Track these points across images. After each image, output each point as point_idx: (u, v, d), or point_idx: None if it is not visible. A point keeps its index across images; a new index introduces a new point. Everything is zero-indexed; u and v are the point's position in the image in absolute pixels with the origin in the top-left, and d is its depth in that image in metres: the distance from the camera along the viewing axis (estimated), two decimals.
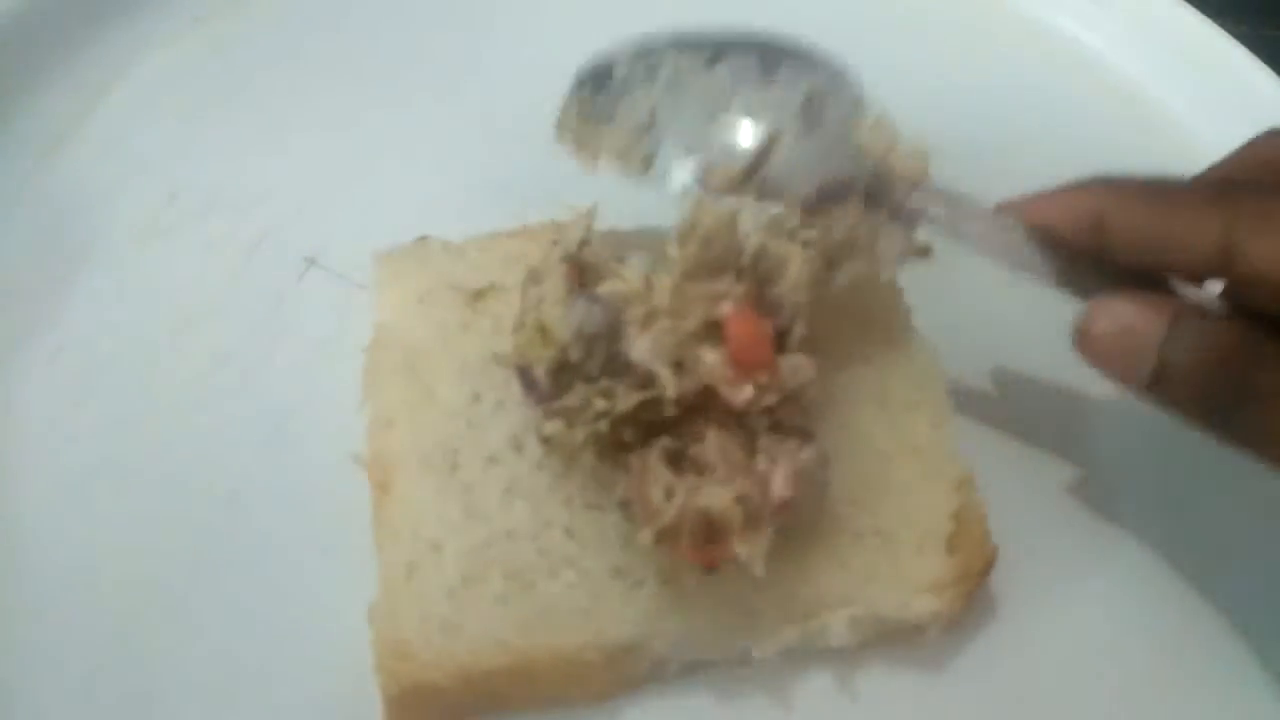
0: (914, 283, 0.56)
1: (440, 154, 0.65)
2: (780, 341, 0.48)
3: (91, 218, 0.62)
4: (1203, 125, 0.70)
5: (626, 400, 0.46)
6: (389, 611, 0.46)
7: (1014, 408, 0.58)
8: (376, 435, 0.51)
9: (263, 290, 0.60)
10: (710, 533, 0.45)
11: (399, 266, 0.56)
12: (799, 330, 0.49)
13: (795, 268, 0.49)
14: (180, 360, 0.57)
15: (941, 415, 0.53)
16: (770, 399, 0.47)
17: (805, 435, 0.48)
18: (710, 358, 0.47)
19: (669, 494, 0.45)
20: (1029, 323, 0.62)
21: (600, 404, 0.46)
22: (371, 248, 0.58)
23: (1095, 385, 0.59)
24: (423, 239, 0.57)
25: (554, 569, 0.47)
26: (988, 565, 0.50)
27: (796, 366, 0.48)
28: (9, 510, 0.52)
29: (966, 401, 0.56)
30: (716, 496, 0.45)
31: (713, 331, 0.47)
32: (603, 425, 0.46)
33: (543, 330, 0.48)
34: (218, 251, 0.61)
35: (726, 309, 0.47)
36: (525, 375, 0.49)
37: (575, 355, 0.47)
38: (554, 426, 0.47)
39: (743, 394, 0.46)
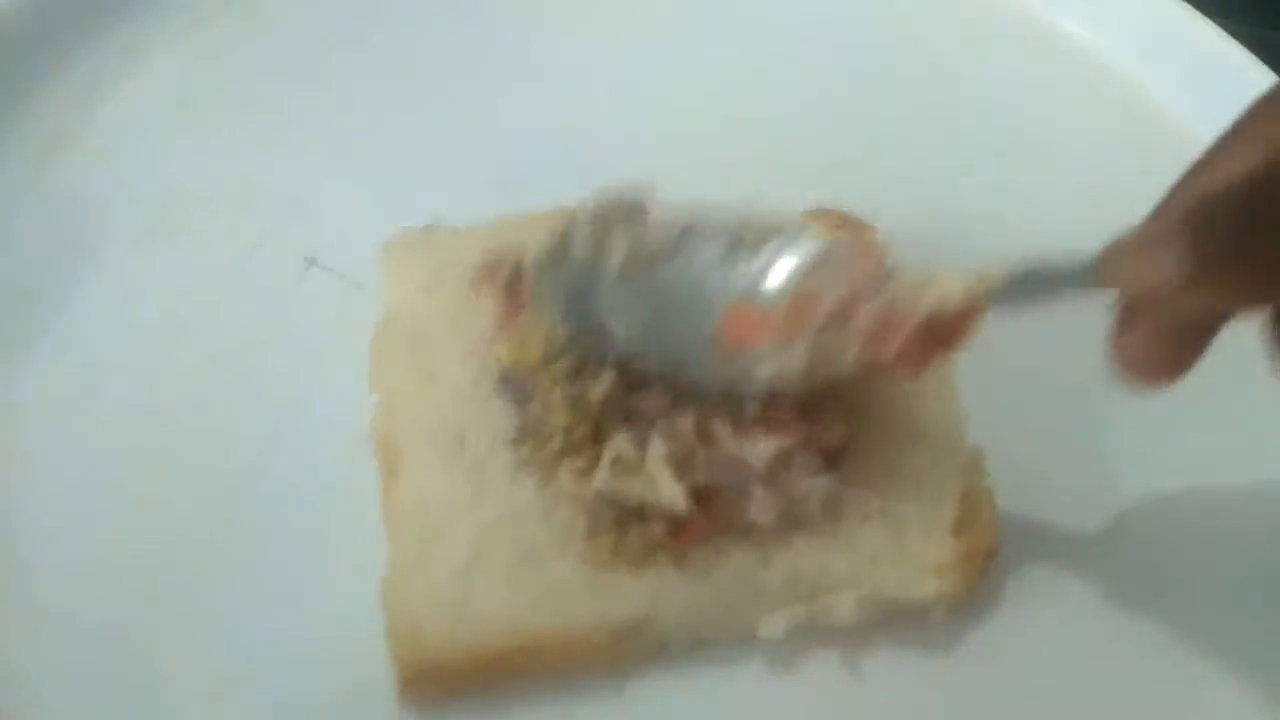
0: (930, 263, 0.56)
1: (441, 154, 0.66)
2: None
3: (91, 218, 0.62)
4: (1203, 126, 0.70)
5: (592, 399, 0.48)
6: (398, 592, 0.47)
7: (1024, 396, 0.58)
8: (383, 417, 0.52)
9: (263, 290, 0.60)
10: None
11: (407, 252, 0.57)
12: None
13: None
14: (180, 360, 0.57)
15: (952, 402, 0.54)
16: (840, 429, 0.49)
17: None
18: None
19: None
20: (1041, 311, 0.62)
21: (565, 416, 0.48)
22: (372, 247, 0.58)
23: (1104, 376, 0.59)
24: (430, 225, 0.58)
25: (561, 547, 0.48)
26: (993, 549, 0.50)
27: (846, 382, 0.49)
28: (9, 510, 0.52)
29: (977, 389, 0.56)
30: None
31: None
32: (558, 444, 0.48)
33: (523, 343, 0.50)
34: (218, 251, 0.61)
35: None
36: (508, 379, 0.50)
37: (564, 361, 0.49)
38: (526, 450, 0.49)
39: (831, 431, 0.49)
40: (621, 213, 0.50)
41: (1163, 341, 0.42)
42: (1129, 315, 0.43)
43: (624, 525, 0.47)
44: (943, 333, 0.45)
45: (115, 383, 0.56)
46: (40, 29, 0.67)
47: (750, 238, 0.49)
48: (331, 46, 0.71)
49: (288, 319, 0.59)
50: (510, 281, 0.52)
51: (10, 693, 0.47)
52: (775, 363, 0.47)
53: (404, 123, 0.67)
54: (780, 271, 0.48)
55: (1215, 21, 0.72)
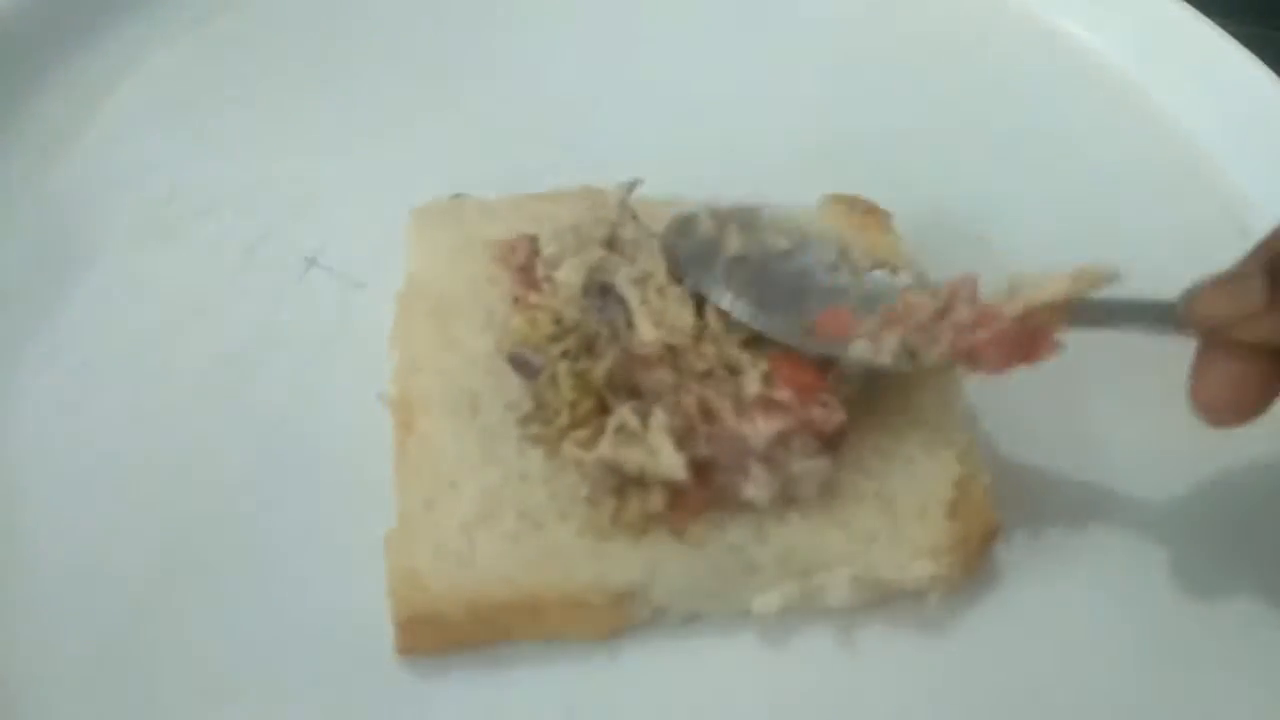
0: (931, 263, 0.57)
1: (442, 152, 0.66)
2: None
3: (91, 218, 0.62)
4: (1203, 125, 0.70)
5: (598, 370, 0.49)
6: (404, 542, 0.48)
7: (1022, 386, 0.58)
8: (403, 377, 0.53)
9: (263, 290, 0.60)
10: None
11: (433, 221, 0.58)
12: None
13: None
14: (180, 360, 0.57)
15: (952, 390, 0.54)
16: (840, 415, 0.49)
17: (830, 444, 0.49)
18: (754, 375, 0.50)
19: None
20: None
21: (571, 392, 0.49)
22: (372, 246, 0.58)
23: (1101, 366, 0.60)
24: (458, 196, 0.59)
25: (565, 511, 0.49)
26: (989, 535, 0.51)
27: (847, 371, 0.50)
28: (9, 510, 0.52)
29: (978, 378, 0.56)
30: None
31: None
32: (564, 420, 0.49)
33: (534, 321, 0.51)
34: (218, 251, 0.61)
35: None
36: (518, 356, 0.51)
37: (571, 338, 0.50)
38: (536, 429, 0.50)
39: (830, 416, 0.49)
40: (736, 216, 0.54)
41: (1240, 381, 0.46)
42: (1208, 357, 0.47)
43: (624, 493, 0.48)
44: (1027, 339, 0.48)
45: (114, 382, 0.56)
46: (40, 29, 0.67)
47: (856, 257, 0.54)
48: (331, 46, 0.71)
49: (288, 319, 0.59)
50: (525, 263, 0.54)
51: (10, 691, 0.47)
52: (866, 355, 0.50)
53: (404, 122, 0.67)
54: (880, 289, 0.53)
55: (1215, 21, 0.72)
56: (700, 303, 0.52)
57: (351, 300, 0.59)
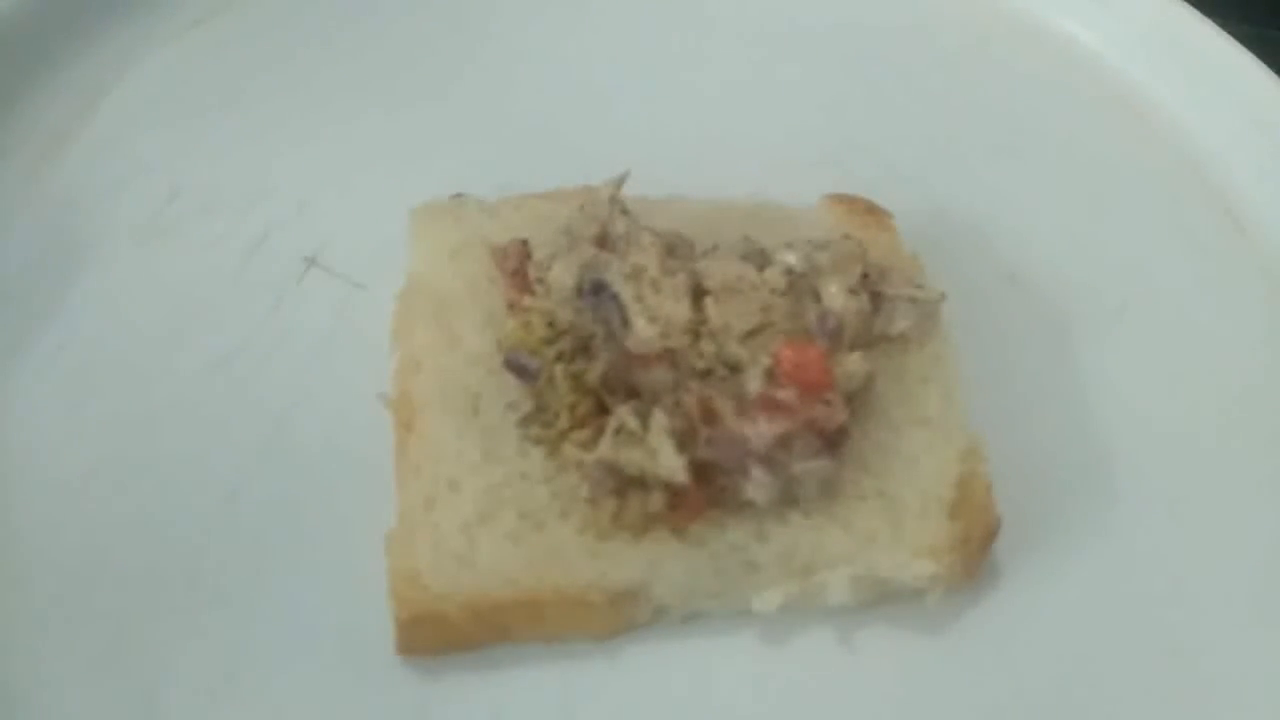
0: (931, 263, 0.58)
1: (442, 152, 0.66)
2: (833, 344, 0.51)
3: (91, 218, 0.62)
4: (1203, 125, 0.70)
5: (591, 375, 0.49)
6: (405, 542, 0.49)
7: (1023, 385, 0.59)
8: (403, 376, 0.53)
9: (263, 290, 0.60)
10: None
11: (434, 220, 0.58)
12: (848, 334, 0.51)
13: (836, 285, 0.52)
14: (180, 360, 0.57)
15: (953, 390, 0.54)
16: (842, 414, 0.49)
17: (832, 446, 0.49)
18: (758, 370, 0.49)
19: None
20: (1041, 304, 0.62)
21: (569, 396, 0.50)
22: (372, 247, 0.58)
23: (1102, 364, 0.60)
24: (458, 195, 0.59)
25: (565, 511, 0.49)
26: (989, 534, 0.51)
27: (851, 370, 0.50)
28: (9, 510, 0.52)
29: (979, 378, 0.56)
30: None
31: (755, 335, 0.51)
32: (564, 421, 0.49)
33: (527, 325, 0.51)
34: (218, 251, 0.61)
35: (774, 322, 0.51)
36: (514, 360, 0.51)
37: (565, 340, 0.51)
38: (536, 431, 0.51)
39: (832, 416, 0.49)
40: None
41: None
42: None
43: (624, 494, 0.48)
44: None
45: (114, 382, 0.56)
46: (40, 29, 0.67)
47: None
48: (331, 46, 0.71)
49: (288, 319, 0.59)
50: (518, 267, 0.54)
51: (10, 691, 0.47)
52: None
53: (404, 123, 0.67)
54: None
55: (1215, 21, 0.72)
56: (698, 295, 0.51)
57: (351, 300, 0.59)
